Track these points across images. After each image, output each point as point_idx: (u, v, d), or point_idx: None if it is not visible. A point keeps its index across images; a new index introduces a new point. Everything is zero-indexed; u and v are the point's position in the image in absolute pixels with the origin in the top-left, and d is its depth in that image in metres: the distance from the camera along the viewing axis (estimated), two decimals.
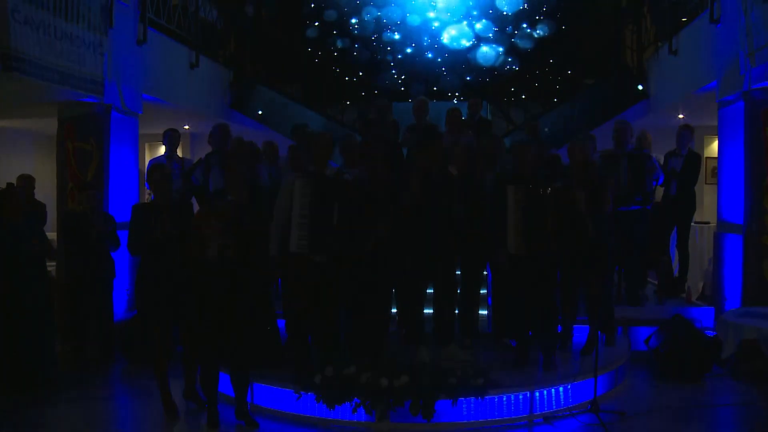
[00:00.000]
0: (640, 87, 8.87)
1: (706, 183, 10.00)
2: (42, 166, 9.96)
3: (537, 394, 4.95)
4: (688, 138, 7.28)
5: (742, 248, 6.10)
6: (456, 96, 10.05)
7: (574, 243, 5.31)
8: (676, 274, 7.77)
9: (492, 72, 10.09)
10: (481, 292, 6.33)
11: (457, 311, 5.80)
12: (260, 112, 9.26)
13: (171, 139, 7.54)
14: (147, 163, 7.71)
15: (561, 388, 5.05)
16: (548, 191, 5.20)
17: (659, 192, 7.46)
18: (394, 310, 5.92)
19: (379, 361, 4.88)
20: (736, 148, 6.28)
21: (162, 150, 10.53)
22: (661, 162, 7.40)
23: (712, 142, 9.94)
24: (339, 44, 10.19)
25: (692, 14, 7.33)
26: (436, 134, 5.58)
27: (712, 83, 6.72)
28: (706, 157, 10.15)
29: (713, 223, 7.98)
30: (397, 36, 10.21)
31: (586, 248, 5.37)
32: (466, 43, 9.88)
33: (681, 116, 9.11)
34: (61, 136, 6.68)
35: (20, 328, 5.52)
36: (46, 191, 9.59)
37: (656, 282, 7.60)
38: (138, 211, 4.96)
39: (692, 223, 7.84)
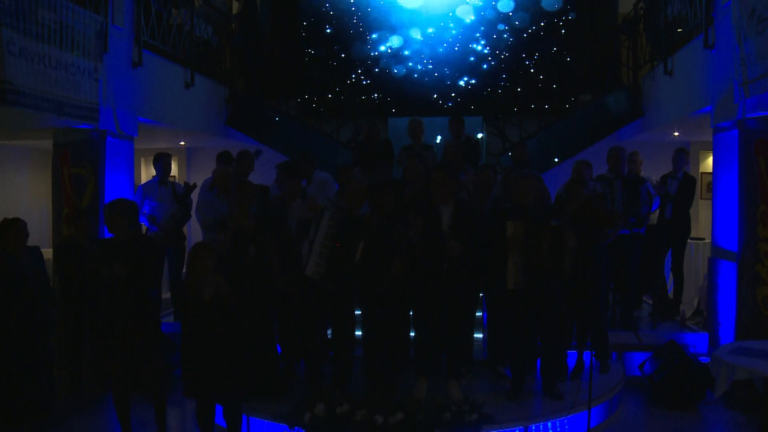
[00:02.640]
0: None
1: (701, 198, 10.03)
2: (38, 181, 9.95)
3: (532, 427, 4.98)
4: (683, 161, 7.34)
5: (736, 275, 6.12)
6: (453, 111, 10.03)
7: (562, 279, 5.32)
8: (670, 292, 7.81)
9: (488, 88, 10.09)
10: (477, 314, 6.36)
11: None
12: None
13: (163, 165, 7.53)
14: (138, 186, 7.62)
15: (557, 422, 5.07)
16: (548, 229, 5.18)
17: (654, 214, 7.48)
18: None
19: (374, 397, 4.91)
20: (730, 174, 6.30)
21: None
22: (657, 183, 7.44)
23: (707, 157, 9.97)
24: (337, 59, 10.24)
25: (688, 36, 7.31)
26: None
27: (707, 108, 6.73)
28: (702, 173, 10.19)
29: (708, 239, 8.01)
30: (392, 49, 10.23)
31: (562, 286, 5.36)
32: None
33: (676, 134, 9.14)
34: (57, 162, 6.68)
35: (20, 358, 5.53)
36: (41, 207, 9.60)
37: (651, 302, 7.63)
38: (98, 247, 5.00)
39: (688, 239, 7.88)
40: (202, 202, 6.07)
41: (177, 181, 10.40)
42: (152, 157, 10.59)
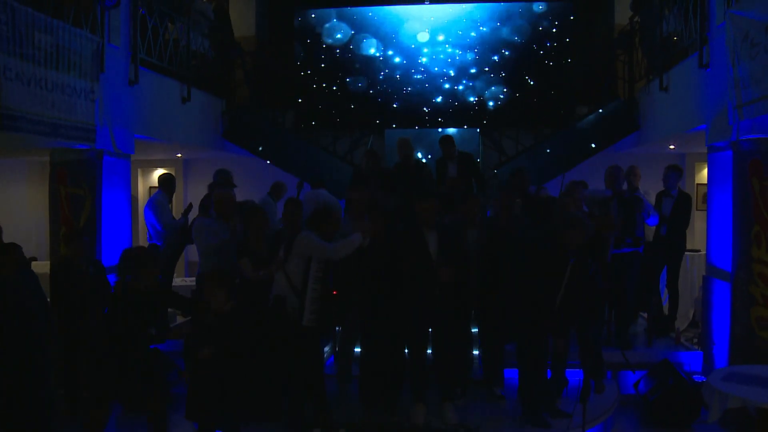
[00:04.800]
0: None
1: (696, 209, 10.07)
2: (35, 192, 9.94)
3: None
4: (676, 179, 7.36)
5: (730, 295, 6.14)
6: (450, 124, 10.10)
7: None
8: (665, 305, 7.84)
9: (484, 102, 10.12)
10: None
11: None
12: (261, 149, 9.24)
13: (168, 184, 7.74)
14: (156, 204, 7.70)
15: None
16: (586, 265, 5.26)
17: (649, 230, 7.51)
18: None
19: (370, 421, 4.94)
20: (724, 194, 6.32)
21: (157, 176, 10.59)
22: (652, 200, 7.46)
23: (702, 169, 10.00)
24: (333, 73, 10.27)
25: (683, 53, 7.31)
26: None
27: (702, 126, 6.76)
28: (697, 184, 10.23)
29: (703, 251, 8.03)
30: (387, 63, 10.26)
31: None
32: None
33: (672, 147, 9.17)
34: (54, 181, 6.67)
35: (18, 379, 5.52)
36: (39, 218, 9.60)
37: (646, 316, 7.67)
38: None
39: (683, 257, 7.94)
40: (200, 226, 5.98)
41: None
42: (149, 168, 10.70)
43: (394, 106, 10.24)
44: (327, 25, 10.33)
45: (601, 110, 9.10)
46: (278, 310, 5.06)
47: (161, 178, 7.87)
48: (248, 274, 5.26)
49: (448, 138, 7.72)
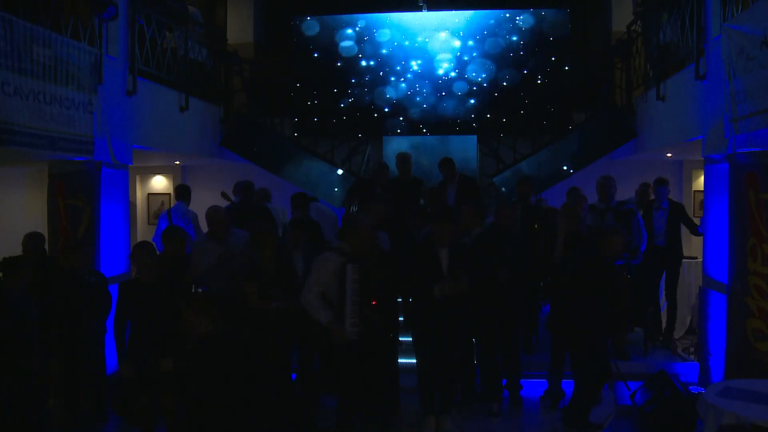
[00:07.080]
0: None
1: (693, 216, 10.09)
2: (33, 199, 9.92)
3: None
4: (665, 192, 7.43)
5: (726, 307, 6.17)
6: (447, 132, 10.12)
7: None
8: (663, 311, 7.86)
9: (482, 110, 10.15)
10: None
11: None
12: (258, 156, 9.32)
13: (186, 195, 8.06)
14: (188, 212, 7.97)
15: None
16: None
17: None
18: None
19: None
20: (721, 206, 6.35)
21: (155, 182, 10.61)
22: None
23: (699, 176, 10.01)
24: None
25: (680, 63, 7.32)
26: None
27: (698, 137, 6.78)
28: (695, 191, 10.25)
29: (700, 258, 8.06)
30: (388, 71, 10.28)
31: None
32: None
33: (669, 155, 9.19)
34: (52, 193, 6.69)
35: (15, 390, 5.53)
36: (37, 224, 9.57)
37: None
38: (125, 290, 5.02)
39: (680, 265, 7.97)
40: (194, 245, 5.86)
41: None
42: (148, 175, 10.71)
43: (392, 113, 10.25)
44: (324, 33, 10.34)
45: (597, 118, 9.11)
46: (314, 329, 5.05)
47: (178, 189, 8.24)
48: (252, 302, 5.02)
49: (448, 161, 7.59)
